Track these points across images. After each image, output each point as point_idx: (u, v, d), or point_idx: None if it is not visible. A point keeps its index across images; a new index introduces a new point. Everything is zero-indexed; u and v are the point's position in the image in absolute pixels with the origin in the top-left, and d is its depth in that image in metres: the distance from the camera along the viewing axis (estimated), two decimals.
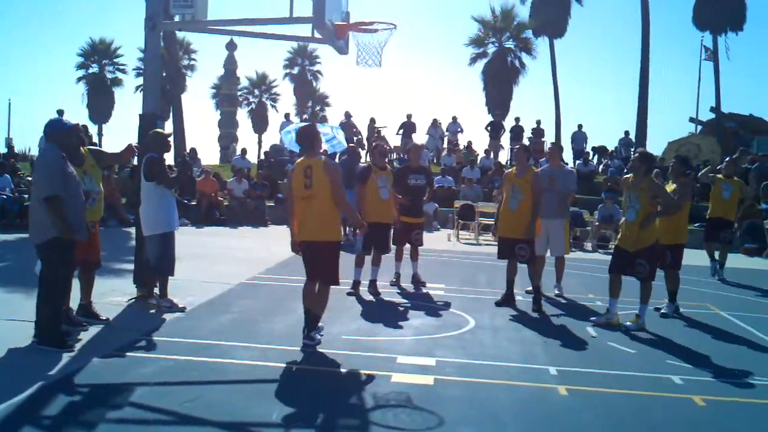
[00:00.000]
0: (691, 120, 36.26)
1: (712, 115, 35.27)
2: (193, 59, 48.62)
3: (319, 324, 6.97)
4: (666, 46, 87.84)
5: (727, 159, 14.37)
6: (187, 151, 25.84)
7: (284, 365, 6.22)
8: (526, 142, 26.46)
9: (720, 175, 13.37)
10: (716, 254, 13.21)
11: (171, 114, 33.41)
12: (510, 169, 9.88)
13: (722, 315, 9.62)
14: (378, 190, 9.65)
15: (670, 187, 9.32)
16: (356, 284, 9.74)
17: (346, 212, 7.10)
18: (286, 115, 30.10)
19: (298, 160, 6.93)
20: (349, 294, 9.48)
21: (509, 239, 9.26)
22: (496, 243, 10.02)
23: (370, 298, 9.49)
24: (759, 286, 12.46)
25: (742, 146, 27.47)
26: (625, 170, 18.75)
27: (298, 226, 6.82)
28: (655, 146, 42.37)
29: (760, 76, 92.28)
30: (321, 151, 7.47)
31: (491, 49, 40.77)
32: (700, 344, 7.94)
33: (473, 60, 41.49)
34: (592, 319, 8.62)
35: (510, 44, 41.30)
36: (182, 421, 4.91)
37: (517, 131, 28.81)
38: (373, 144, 13.40)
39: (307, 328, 6.83)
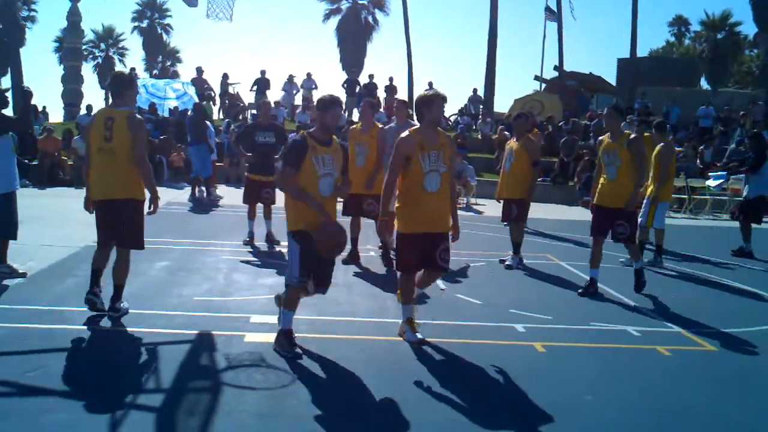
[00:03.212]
0: (536, 78, 37.72)
1: (556, 74, 36.78)
2: (34, 10, 46.07)
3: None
4: (514, 7, 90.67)
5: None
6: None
7: (134, 330, 6.07)
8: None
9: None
10: None
11: (9, 69, 31.45)
12: (354, 125, 9.79)
13: (562, 265, 10.18)
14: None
15: (515, 144, 9.68)
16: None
17: (145, 175, 6.26)
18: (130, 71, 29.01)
19: (101, 109, 6.49)
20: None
21: (356, 195, 8.85)
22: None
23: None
24: None
25: (583, 103, 28.98)
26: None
27: (93, 182, 6.28)
28: (503, 103, 43.96)
29: (599, 37, 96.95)
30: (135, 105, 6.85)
31: (345, 5, 40.70)
32: (542, 294, 8.39)
33: (327, 16, 41.36)
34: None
35: (363, 0, 41.36)
36: (26, 393, 4.72)
37: (370, 88, 28.97)
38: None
39: (111, 299, 6.32)
